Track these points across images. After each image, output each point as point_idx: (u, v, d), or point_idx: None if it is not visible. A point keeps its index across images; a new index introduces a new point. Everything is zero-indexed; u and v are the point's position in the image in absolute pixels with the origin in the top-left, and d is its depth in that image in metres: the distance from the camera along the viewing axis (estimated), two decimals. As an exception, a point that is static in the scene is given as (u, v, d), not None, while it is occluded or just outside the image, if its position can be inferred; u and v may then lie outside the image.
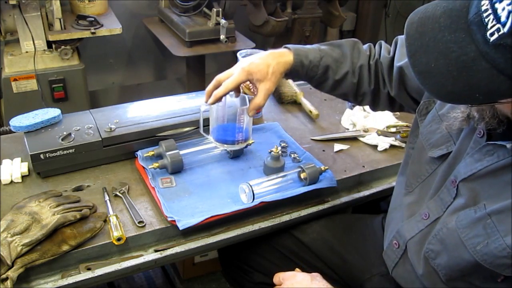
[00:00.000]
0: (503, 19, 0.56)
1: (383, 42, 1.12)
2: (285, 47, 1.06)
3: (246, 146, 1.19)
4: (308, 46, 1.07)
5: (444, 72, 0.61)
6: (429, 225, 0.89)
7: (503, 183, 0.76)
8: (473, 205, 0.80)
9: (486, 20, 0.58)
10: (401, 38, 1.06)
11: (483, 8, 0.59)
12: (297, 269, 1.02)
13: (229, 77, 1.03)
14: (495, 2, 0.57)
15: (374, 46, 1.12)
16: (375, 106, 1.14)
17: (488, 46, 0.58)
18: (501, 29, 0.56)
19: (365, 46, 1.12)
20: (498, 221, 0.74)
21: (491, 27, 0.57)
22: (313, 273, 0.99)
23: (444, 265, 0.85)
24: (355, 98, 1.12)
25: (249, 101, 1.07)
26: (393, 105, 1.12)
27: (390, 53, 1.07)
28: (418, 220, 0.93)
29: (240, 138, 1.12)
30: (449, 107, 0.88)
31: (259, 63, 1.02)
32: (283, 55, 1.04)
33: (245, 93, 1.43)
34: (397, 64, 1.03)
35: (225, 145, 1.12)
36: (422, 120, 0.96)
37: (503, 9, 0.56)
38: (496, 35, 0.57)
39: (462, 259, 0.80)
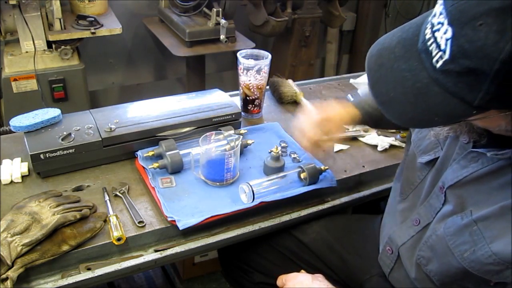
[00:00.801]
0: (442, 46, 0.58)
1: None
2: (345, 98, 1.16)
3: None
4: (362, 96, 1.15)
5: (403, 100, 0.63)
6: (420, 231, 0.90)
7: (488, 189, 0.76)
8: (460, 211, 0.80)
9: (430, 48, 0.60)
10: None
11: (427, 36, 0.61)
12: (302, 270, 1.02)
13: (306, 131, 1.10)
14: (435, 31, 0.60)
15: None
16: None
17: (437, 72, 0.60)
18: (443, 56, 0.58)
19: None
20: (484, 227, 0.75)
21: (435, 54, 0.59)
22: (316, 274, 1.00)
23: (436, 271, 0.85)
24: None
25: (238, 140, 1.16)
26: None
27: None
28: (409, 226, 0.93)
29: (228, 177, 1.16)
30: None
31: (332, 113, 1.10)
32: (349, 105, 1.12)
33: (245, 93, 1.44)
34: None
35: (216, 183, 1.16)
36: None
37: (441, 37, 0.58)
38: (440, 62, 0.59)
39: (452, 265, 0.80)
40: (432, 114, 0.62)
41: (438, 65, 0.59)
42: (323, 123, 1.08)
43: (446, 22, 0.58)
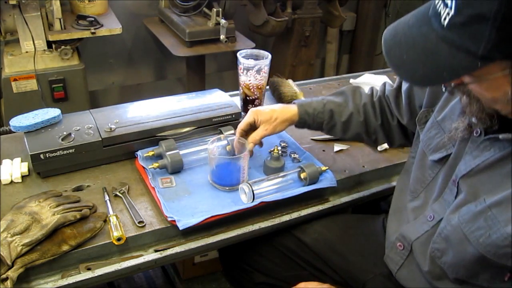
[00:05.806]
0: (449, 3, 0.65)
1: (387, 82, 1.20)
2: (293, 103, 1.19)
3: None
4: (313, 98, 1.20)
5: (415, 60, 0.71)
6: (434, 226, 0.92)
7: (500, 175, 0.80)
8: (473, 200, 0.83)
9: (439, 10, 0.68)
10: None
11: (436, 1, 0.69)
12: (313, 283, 1.03)
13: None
14: None
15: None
16: (391, 141, 1.20)
17: (445, 30, 0.67)
18: (450, 12, 0.65)
19: (368, 89, 1.21)
20: (498, 212, 0.78)
21: (443, 14, 0.67)
22: (324, 285, 1.01)
23: (450, 262, 0.87)
24: (368, 136, 1.18)
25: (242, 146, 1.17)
26: (407, 136, 1.16)
27: (395, 84, 1.15)
28: (423, 222, 0.95)
29: (235, 182, 1.16)
30: (447, 114, 0.94)
31: (266, 108, 1.17)
32: (289, 107, 1.17)
33: (245, 93, 1.44)
34: (403, 88, 1.10)
35: (225, 187, 1.16)
36: (422, 128, 1.01)
37: None
38: (447, 19, 0.66)
39: (467, 253, 0.82)
40: (440, 71, 0.68)
41: (446, 22, 0.66)
42: (257, 112, 1.15)
43: None
